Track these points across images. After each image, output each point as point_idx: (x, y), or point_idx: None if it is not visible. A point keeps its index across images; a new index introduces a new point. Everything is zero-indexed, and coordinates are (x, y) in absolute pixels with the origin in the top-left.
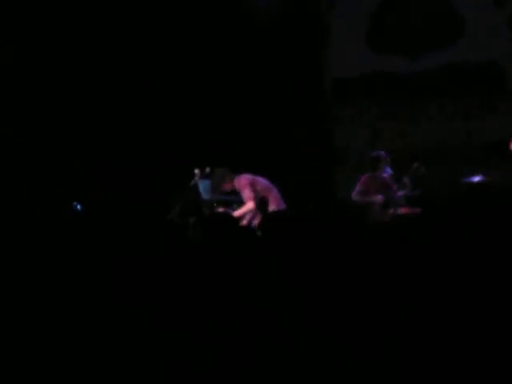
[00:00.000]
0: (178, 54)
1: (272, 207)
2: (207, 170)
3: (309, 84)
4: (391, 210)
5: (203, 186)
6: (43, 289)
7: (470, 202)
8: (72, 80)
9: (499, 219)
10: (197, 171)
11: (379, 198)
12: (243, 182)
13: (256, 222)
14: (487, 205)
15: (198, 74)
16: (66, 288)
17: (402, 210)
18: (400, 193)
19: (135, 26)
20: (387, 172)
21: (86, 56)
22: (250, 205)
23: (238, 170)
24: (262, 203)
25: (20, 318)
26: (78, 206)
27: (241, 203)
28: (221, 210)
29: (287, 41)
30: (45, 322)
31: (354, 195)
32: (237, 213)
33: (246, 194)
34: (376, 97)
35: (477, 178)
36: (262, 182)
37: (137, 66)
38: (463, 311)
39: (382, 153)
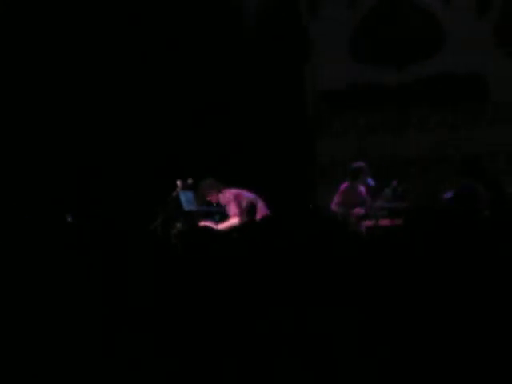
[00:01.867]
0: (158, 62)
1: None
2: (189, 181)
3: (293, 97)
4: (369, 222)
5: (185, 197)
6: (31, 296)
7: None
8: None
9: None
10: (179, 182)
11: (358, 210)
12: (229, 197)
13: None
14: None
15: (181, 87)
16: (51, 297)
17: (383, 222)
18: (382, 204)
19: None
20: (370, 183)
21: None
22: (234, 220)
23: (223, 182)
24: (250, 209)
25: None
26: (70, 218)
27: (223, 215)
28: (203, 221)
29: (270, 53)
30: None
31: (334, 206)
32: (222, 226)
33: (232, 209)
34: (362, 108)
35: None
36: (247, 195)
37: (116, 71)
38: (442, 321)
39: (363, 164)
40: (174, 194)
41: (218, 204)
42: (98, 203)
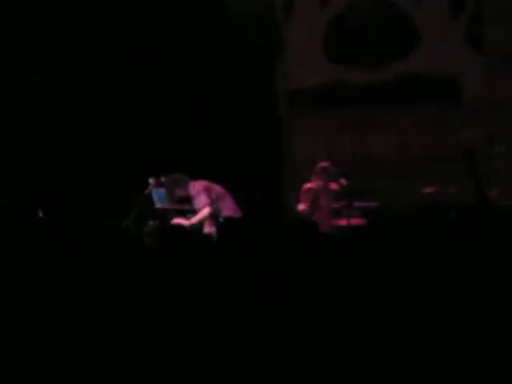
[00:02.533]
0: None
1: (227, 214)
2: (162, 178)
3: (265, 95)
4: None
5: (157, 195)
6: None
7: (423, 214)
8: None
9: (452, 233)
10: (151, 180)
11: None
12: (198, 188)
13: (209, 229)
14: (439, 218)
15: (152, 84)
16: (22, 295)
17: (354, 221)
18: (354, 204)
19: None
20: (342, 183)
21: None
22: (205, 210)
23: (193, 178)
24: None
25: None
26: (41, 213)
27: (195, 212)
28: (175, 219)
29: (242, 52)
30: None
31: (299, 207)
32: (194, 219)
33: (202, 199)
34: (332, 107)
35: (429, 190)
36: (217, 188)
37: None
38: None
39: (327, 164)
40: (147, 191)
41: (187, 198)
42: (70, 199)
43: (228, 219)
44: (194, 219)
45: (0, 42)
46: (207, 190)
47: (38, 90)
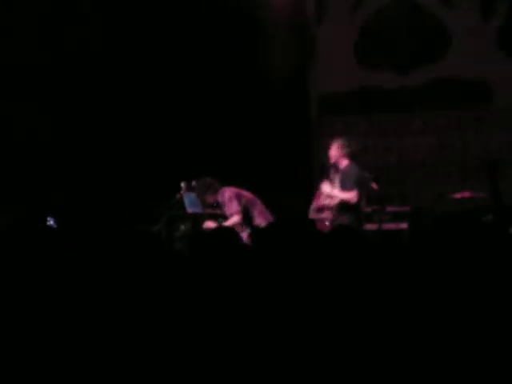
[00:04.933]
0: (161, 64)
1: (259, 220)
2: (193, 183)
3: (297, 98)
4: (371, 225)
5: (189, 199)
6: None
7: (456, 218)
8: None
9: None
10: (183, 184)
11: (327, 215)
12: (229, 194)
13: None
14: (472, 222)
15: (184, 87)
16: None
17: (387, 226)
18: (385, 208)
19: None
20: (373, 188)
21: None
22: (235, 218)
23: (222, 183)
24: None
25: None
26: (52, 221)
27: (225, 217)
28: (207, 223)
29: (275, 55)
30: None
31: (310, 212)
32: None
33: (233, 207)
34: (364, 112)
35: (461, 195)
36: (246, 194)
37: (116, 74)
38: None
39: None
40: (178, 196)
41: (218, 204)
42: (95, 206)
43: (259, 227)
44: (224, 226)
45: None
46: (237, 197)
47: None
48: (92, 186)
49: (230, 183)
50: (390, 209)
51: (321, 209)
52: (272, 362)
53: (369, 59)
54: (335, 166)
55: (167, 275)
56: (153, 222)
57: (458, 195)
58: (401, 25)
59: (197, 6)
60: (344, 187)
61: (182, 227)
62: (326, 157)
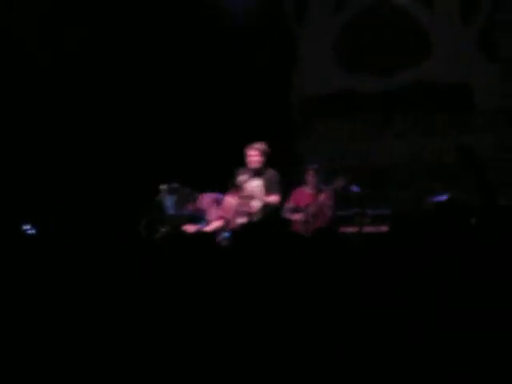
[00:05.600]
0: (145, 66)
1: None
2: (174, 185)
3: (279, 101)
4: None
5: (169, 202)
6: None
7: (436, 220)
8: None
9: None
10: (163, 186)
11: (300, 216)
12: (207, 202)
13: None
14: (452, 223)
15: (166, 91)
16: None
17: (367, 229)
18: (366, 211)
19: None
20: (354, 190)
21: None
22: (216, 223)
23: (205, 185)
24: None
25: None
26: (30, 229)
27: (205, 221)
28: (187, 226)
29: (257, 58)
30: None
31: (284, 211)
32: (207, 229)
33: (213, 213)
34: (345, 114)
35: (443, 197)
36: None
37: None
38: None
39: (314, 166)
40: (159, 197)
41: (199, 211)
42: (76, 209)
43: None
44: (207, 228)
45: None
46: (216, 203)
47: None
48: (72, 190)
49: (212, 185)
50: (370, 212)
51: (295, 209)
52: (248, 363)
53: (350, 62)
54: (256, 170)
55: (148, 276)
56: (133, 224)
57: (439, 198)
58: (382, 28)
59: (176, 8)
60: (270, 192)
61: (162, 229)
62: (309, 159)
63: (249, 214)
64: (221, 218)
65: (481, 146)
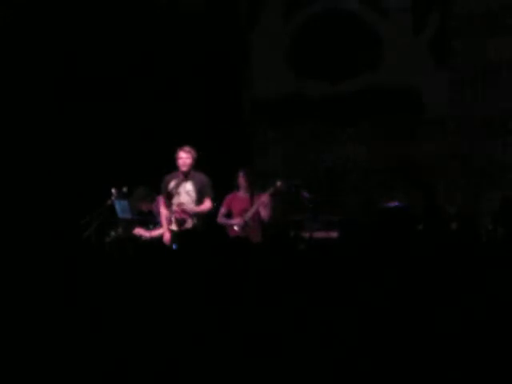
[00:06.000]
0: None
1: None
2: (124, 189)
3: (228, 103)
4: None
5: (119, 206)
6: None
7: (386, 226)
8: None
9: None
10: (114, 190)
11: (237, 221)
12: (162, 203)
13: None
14: (402, 230)
15: (115, 97)
16: None
17: (318, 235)
18: (317, 216)
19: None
20: (305, 196)
21: None
22: (161, 229)
23: (157, 190)
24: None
25: None
26: None
27: (157, 223)
28: (137, 229)
29: (207, 60)
30: None
31: (218, 218)
32: (154, 233)
33: (163, 215)
34: (296, 118)
35: (395, 203)
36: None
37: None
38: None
39: (245, 169)
40: (109, 201)
41: (151, 213)
42: (25, 211)
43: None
44: (155, 233)
45: None
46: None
47: None
48: (21, 192)
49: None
50: (321, 217)
51: (229, 214)
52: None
53: (301, 66)
54: (186, 173)
55: (97, 280)
56: (83, 227)
57: (389, 204)
58: (334, 33)
59: (129, 6)
60: (203, 195)
61: (113, 233)
62: (259, 163)
63: (184, 221)
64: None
65: (427, 153)
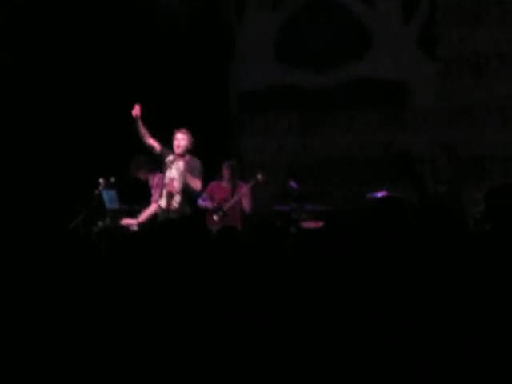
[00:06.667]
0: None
1: None
2: (112, 179)
3: (217, 96)
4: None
5: (107, 196)
6: None
7: (373, 217)
8: None
9: (401, 233)
10: (101, 180)
11: (213, 205)
12: (157, 182)
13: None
14: (391, 220)
15: (102, 86)
16: None
17: (307, 225)
18: (304, 207)
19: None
20: (293, 185)
21: None
22: (153, 207)
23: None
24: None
25: None
26: None
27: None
28: (125, 219)
29: (194, 53)
30: None
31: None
32: (141, 218)
33: (156, 195)
34: (283, 110)
35: (381, 194)
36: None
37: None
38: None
39: (231, 161)
40: (97, 191)
41: (147, 183)
42: (12, 203)
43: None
44: (142, 217)
45: None
46: (163, 185)
47: None
48: (7, 183)
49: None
50: (308, 207)
51: (209, 198)
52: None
53: (289, 58)
54: (181, 155)
55: (85, 271)
56: (71, 218)
57: (376, 194)
58: (321, 24)
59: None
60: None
61: (100, 223)
62: (247, 154)
63: (173, 196)
64: (156, 202)
65: (415, 144)
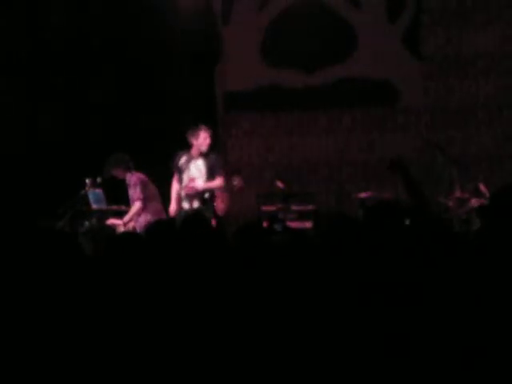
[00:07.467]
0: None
1: (150, 216)
2: (98, 179)
3: (201, 96)
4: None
5: (94, 196)
6: None
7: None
8: None
9: (389, 235)
10: (88, 180)
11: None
12: (135, 180)
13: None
14: (376, 221)
15: (92, 85)
16: None
17: (293, 224)
18: (291, 207)
19: None
20: (278, 186)
21: None
22: (137, 204)
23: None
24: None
25: None
26: None
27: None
28: (111, 220)
29: (181, 52)
30: None
31: None
32: (126, 218)
33: (137, 193)
34: (270, 110)
35: (365, 195)
36: (152, 188)
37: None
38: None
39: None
40: (83, 192)
41: (124, 181)
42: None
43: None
44: (127, 217)
45: None
46: (143, 185)
47: None
48: None
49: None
50: (294, 208)
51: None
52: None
53: (275, 58)
54: (203, 153)
55: (72, 271)
56: (57, 217)
57: (362, 195)
58: (308, 24)
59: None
60: (214, 174)
61: (86, 223)
62: (233, 155)
63: (196, 194)
64: (141, 199)
65: (402, 144)
